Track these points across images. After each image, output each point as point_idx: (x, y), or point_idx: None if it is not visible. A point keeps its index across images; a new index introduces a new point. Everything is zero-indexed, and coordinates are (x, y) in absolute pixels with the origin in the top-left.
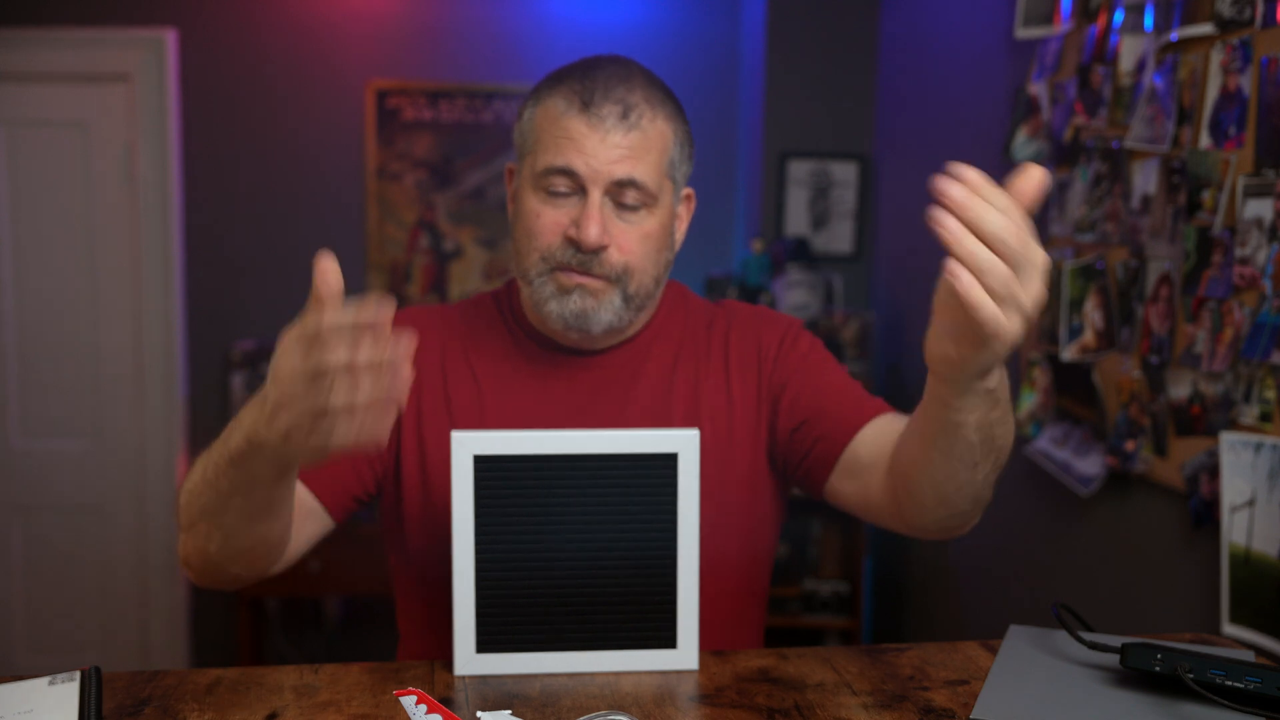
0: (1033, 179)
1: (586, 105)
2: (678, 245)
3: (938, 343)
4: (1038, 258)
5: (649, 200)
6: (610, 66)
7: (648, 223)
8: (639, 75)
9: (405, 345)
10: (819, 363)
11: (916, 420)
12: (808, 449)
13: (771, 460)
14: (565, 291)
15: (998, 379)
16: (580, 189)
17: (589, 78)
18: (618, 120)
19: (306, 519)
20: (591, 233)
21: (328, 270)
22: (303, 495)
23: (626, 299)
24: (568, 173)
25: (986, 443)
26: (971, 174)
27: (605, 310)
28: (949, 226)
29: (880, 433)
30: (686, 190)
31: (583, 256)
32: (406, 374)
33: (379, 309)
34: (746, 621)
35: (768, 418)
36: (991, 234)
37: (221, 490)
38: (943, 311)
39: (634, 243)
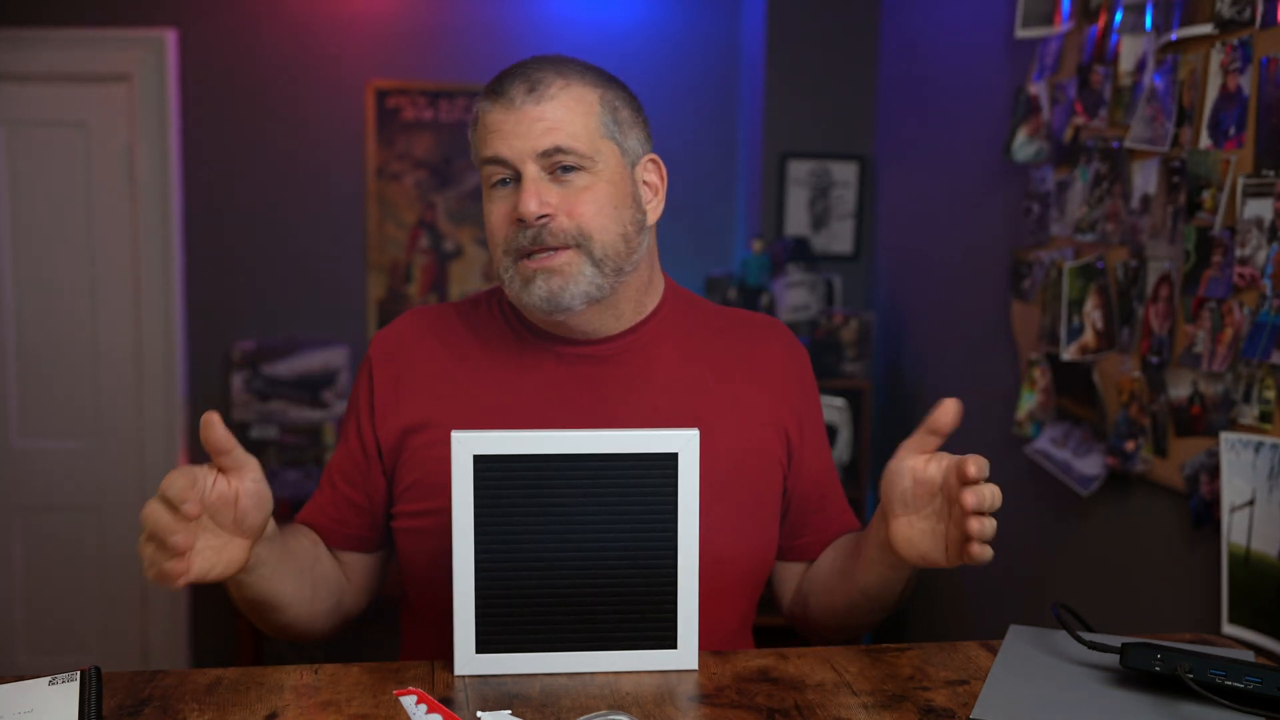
0: (948, 411)
1: (498, 95)
2: (653, 214)
3: (916, 544)
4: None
5: (585, 163)
6: (521, 61)
7: (594, 184)
8: (548, 59)
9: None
10: (821, 438)
11: (838, 576)
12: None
13: (782, 475)
14: (529, 280)
15: None
16: (516, 174)
17: (500, 76)
18: (525, 96)
19: (359, 570)
20: (530, 205)
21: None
22: (345, 558)
23: (596, 263)
24: (498, 161)
25: (897, 603)
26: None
27: (576, 283)
28: (974, 529)
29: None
30: (650, 156)
31: (532, 233)
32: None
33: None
34: (743, 631)
35: (784, 436)
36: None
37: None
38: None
39: (581, 204)
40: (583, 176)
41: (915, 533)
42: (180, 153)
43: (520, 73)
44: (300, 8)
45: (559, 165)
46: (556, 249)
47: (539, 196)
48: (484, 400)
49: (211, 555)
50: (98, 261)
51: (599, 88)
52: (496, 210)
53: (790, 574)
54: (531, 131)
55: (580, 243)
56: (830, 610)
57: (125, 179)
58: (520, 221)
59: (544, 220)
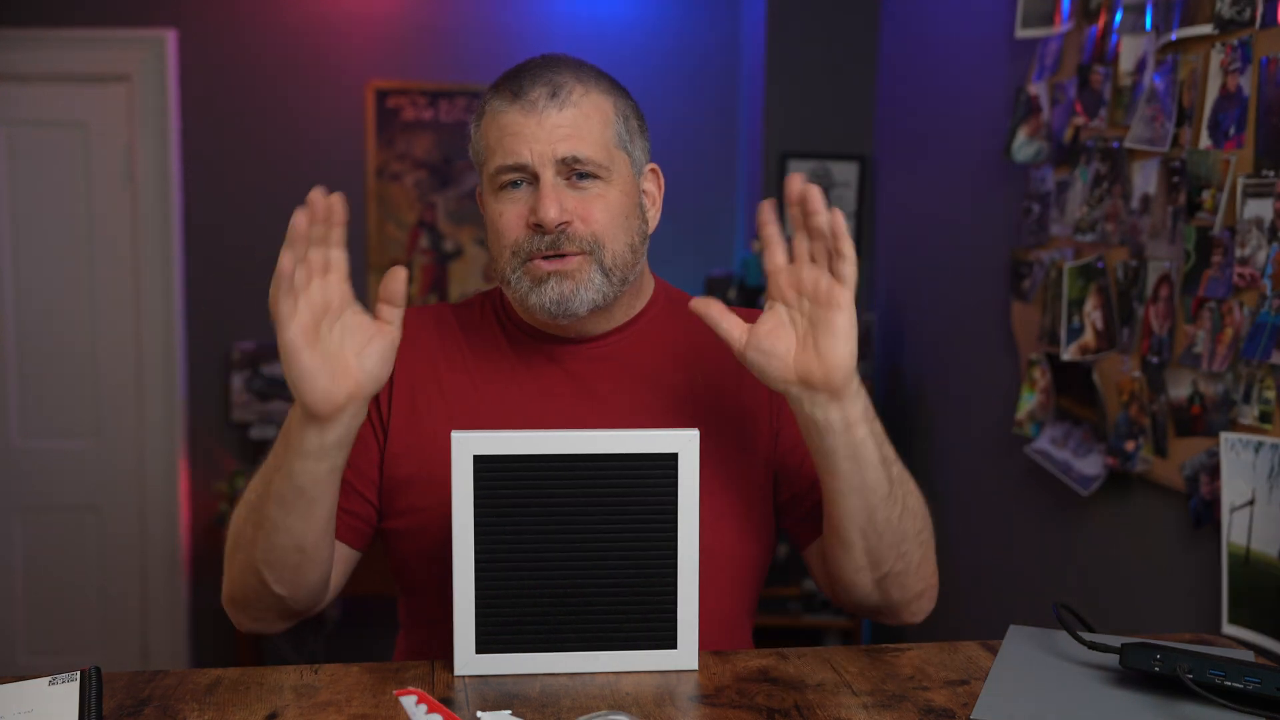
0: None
1: (517, 95)
2: (652, 223)
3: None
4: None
5: (601, 172)
6: (537, 60)
7: (607, 193)
8: (566, 61)
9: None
10: None
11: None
12: (808, 508)
13: (772, 473)
14: (540, 281)
15: (854, 383)
16: (533, 177)
17: (517, 74)
18: (548, 100)
19: (341, 564)
20: (550, 212)
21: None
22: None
23: (605, 272)
24: (516, 167)
25: (885, 462)
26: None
27: (586, 289)
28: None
29: None
30: (651, 165)
31: (549, 238)
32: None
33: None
34: (740, 627)
35: (772, 430)
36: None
37: (265, 473)
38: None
39: (596, 212)
40: (597, 184)
41: (765, 336)
42: (180, 153)
43: (541, 75)
44: (300, 8)
45: (575, 172)
46: (569, 254)
47: (559, 203)
48: (474, 398)
49: (355, 333)
50: (98, 261)
51: (612, 95)
52: (509, 212)
53: (814, 553)
54: (552, 136)
55: (592, 249)
56: (836, 550)
57: (125, 179)
58: (536, 226)
59: (563, 227)
